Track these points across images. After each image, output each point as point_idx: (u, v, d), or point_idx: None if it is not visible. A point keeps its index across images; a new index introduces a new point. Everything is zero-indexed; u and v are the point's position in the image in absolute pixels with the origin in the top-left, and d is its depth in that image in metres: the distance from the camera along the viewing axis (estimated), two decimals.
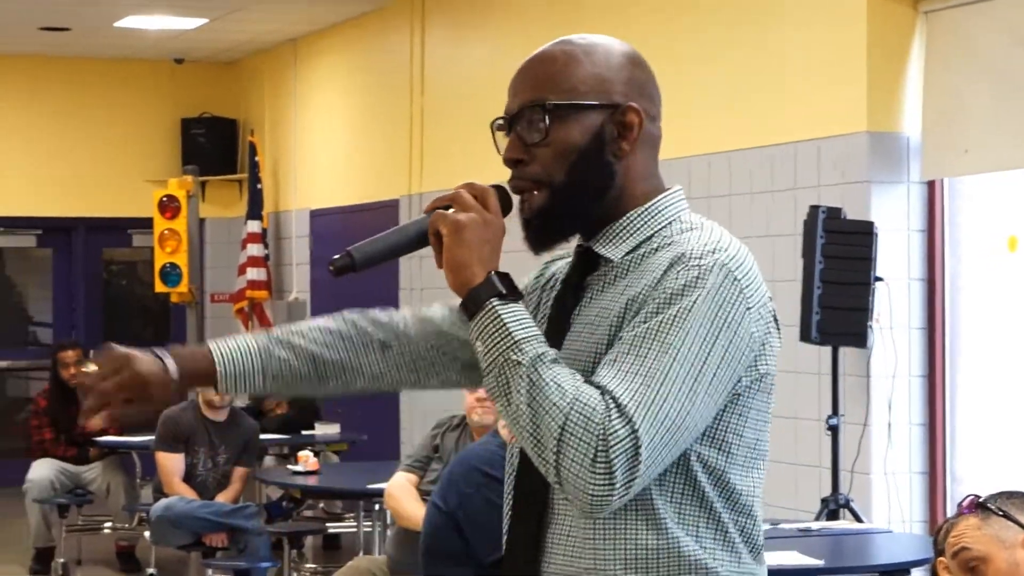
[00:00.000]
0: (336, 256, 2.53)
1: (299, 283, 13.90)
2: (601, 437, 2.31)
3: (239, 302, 13.94)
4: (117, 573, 10.72)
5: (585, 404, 2.33)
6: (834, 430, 7.43)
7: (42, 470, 10.72)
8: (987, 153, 7.41)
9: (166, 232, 13.15)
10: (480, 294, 2.43)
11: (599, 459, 2.31)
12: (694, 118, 8.77)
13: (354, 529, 10.04)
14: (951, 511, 7.36)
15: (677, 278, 2.41)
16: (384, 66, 12.52)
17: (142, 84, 15.01)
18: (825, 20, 7.91)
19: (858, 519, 7.23)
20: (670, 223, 2.53)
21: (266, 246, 13.90)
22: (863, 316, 7.34)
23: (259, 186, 13.92)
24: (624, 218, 2.53)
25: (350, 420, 11.90)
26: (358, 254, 2.52)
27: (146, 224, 13.71)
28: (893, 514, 7.60)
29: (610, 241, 2.53)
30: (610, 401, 2.33)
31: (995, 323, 7.66)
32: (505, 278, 2.45)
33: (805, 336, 7.35)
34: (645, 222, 2.53)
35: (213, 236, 15.05)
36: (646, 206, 2.54)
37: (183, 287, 13.17)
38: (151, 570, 10.10)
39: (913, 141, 7.71)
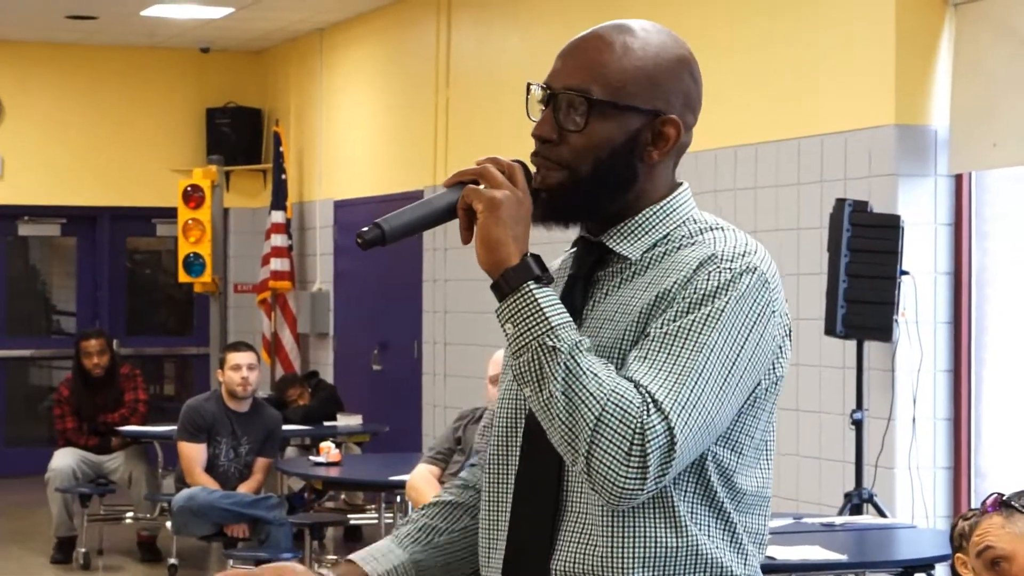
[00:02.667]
0: (364, 228, 2.45)
1: (323, 273, 13.89)
2: (638, 431, 2.29)
3: (262, 292, 13.95)
4: (138, 563, 10.72)
5: (622, 396, 2.31)
6: (858, 424, 7.40)
7: (64, 459, 10.73)
8: (1015, 147, 7.35)
9: (190, 222, 13.15)
10: (516, 275, 2.39)
11: (634, 452, 2.29)
12: (721, 110, 8.73)
13: (375, 520, 10.03)
14: (975, 506, 7.33)
15: (709, 279, 2.39)
16: (410, 56, 12.50)
17: (168, 73, 15.02)
18: (854, 12, 7.86)
19: (882, 514, 7.20)
20: (684, 222, 2.52)
21: (290, 236, 13.89)
22: (888, 310, 7.30)
23: (283, 176, 13.91)
24: (640, 215, 2.51)
25: (372, 412, 11.90)
26: (387, 226, 2.44)
27: (170, 214, 13.72)
28: (917, 509, 7.56)
29: (625, 238, 2.50)
30: (647, 395, 2.32)
31: (1021, 318, 7.61)
32: (539, 260, 2.42)
33: (830, 330, 7.32)
34: (661, 220, 2.51)
35: (237, 226, 15.05)
36: (660, 204, 2.52)
37: (206, 277, 13.17)
38: (172, 560, 10.10)
39: (941, 134, 7.67)
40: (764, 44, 8.46)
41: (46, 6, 12.91)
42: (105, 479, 10.85)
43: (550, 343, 2.34)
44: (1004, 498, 3.48)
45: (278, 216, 13.83)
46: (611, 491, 2.32)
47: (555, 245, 2.58)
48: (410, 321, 12.29)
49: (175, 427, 9.57)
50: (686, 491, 2.42)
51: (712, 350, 2.36)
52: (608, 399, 2.31)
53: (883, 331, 7.34)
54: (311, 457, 9.50)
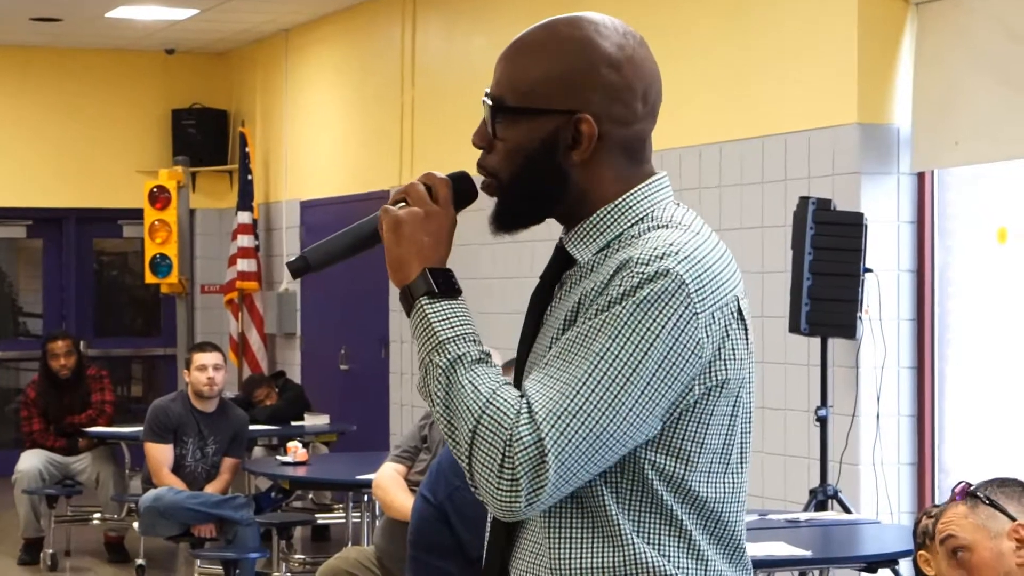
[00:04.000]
0: (292, 259, 2.53)
1: (289, 274, 13.87)
2: (507, 442, 2.27)
3: (229, 293, 13.94)
4: (106, 564, 10.71)
5: (497, 408, 2.29)
6: (823, 421, 7.44)
7: (31, 460, 10.71)
8: (977, 145, 7.41)
9: (156, 223, 13.14)
10: (411, 291, 2.41)
11: (505, 465, 2.27)
12: (685, 109, 8.77)
13: (343, 520, 10.03)
14: (940, 502, 7.37)
15: (620, 284, 2.32)
16: (376, 57, 12.51)
17: (133, 75, 14.99)
18: (816, 11, 7.91)
19: (846, 510, 7.24)
20: (641, 219, 2.44)
21: (256, 237, 13.89)
22: (852, 307, 7.35)
23: (249, 177, 13.90)
24: (594, 216, 2.45)
25: (340, 411, 11.90)
26: (312, 256, 2.52)
27: (137, 215, 13.70)
28: (881, 505, 7.61)
29: (580, 240, 2.45)
30: (523, 406, 2.29)
31: (984, 315, 7.67)
32: (443, 274, 2.40)
33: (794, 327, 7.36)
34: (615, 219, 2.44)
35: (203, 227, 15.03)
36: (615, 203, 2.44)
37: (173, 278, 13.16)
38: (140, 561, 10.09)
39: (903, 133, 7.71)
40: (727, 43, 8.49)
41: (10, 8, 12.88)
42: (72, 480, 10.84)
43: (435, 359, 2.35)
44: (971, 488, 3.50)
45: (244, 217, 13.82)
46: (492, 505, 2.31)
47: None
48: (377, 321, 12.30)
49: (142, 428, 9.56)
50: (630, 502, 2.38)
51: (602, 357, 2.29)
52: (483, 411, 2.29)
53: (847, 328, 7.38)
54: (278, 457, 9.50)
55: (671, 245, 2.35)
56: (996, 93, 7.27)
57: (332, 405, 11.91)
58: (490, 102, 2.46)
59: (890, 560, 6.13)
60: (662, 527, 2.38)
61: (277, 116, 14.18)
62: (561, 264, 2.49)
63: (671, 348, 2.31)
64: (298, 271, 2.52)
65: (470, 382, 2.32)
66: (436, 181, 2.46)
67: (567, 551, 2.39)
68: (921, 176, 7.76)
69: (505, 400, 2.30)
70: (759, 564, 5.76)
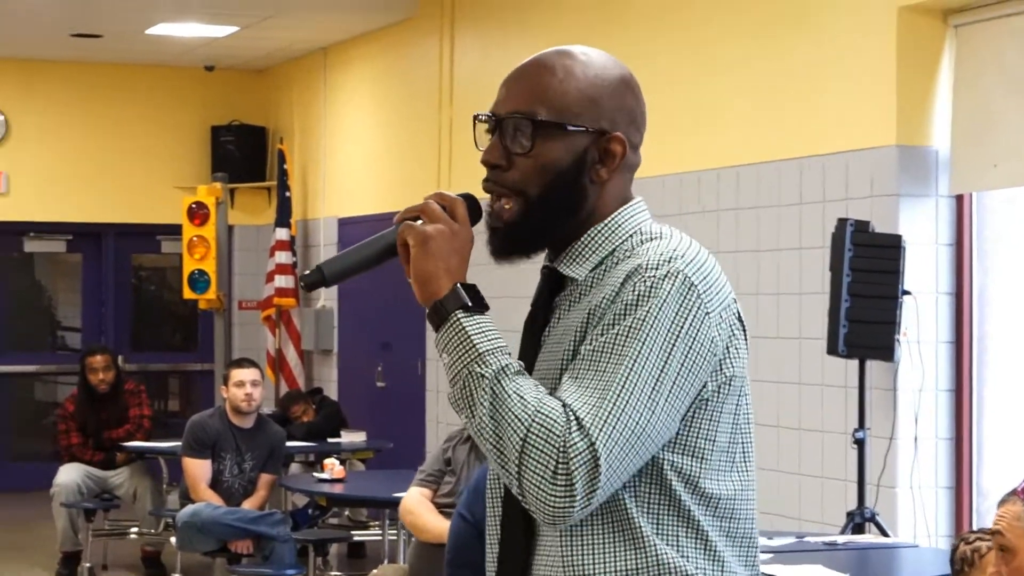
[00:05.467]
0: (307, 272, 2.54)
1: (327, 291, 13.92)
2: (561, 450, 2.33)
3: (267, 309, 13.99)
4: None
5: (546, 417, 2.34)
6: (860, 443, 7.43)
7: (69, 474, 10.77)
8: (1016, 167, 7.39)
9: (195, 239, 13.18)
10: (445, 306, 2.44)
11: (560, 471, 2.33)
12: (723, 130, 8.78)
13: (379, 537, 10.05)
14: (977, 526, 7.35)
15: (633, 290, 2.41)
16: (413, 75, 12.55)
17: (173, 91, 15.08)
18: (855, 33, 7.90)
19: (884, 533, 7.22)
20: (631, 236, 2.53)
21: (294, 254, 13.93)
22: (890, 329, 7.33)
23: (287, 194, 13.95)
24: (585, 236, 2.53)
25: (376, 428, 11.93)
26: (327, 269, 2.54)
27: (175, 230, 13.75)
28: (919, 528, 7.59)
29: (574, 260, 2.53)
30: (570, 415, 2.34)
31: (1022, 338, 7.64)
32: (471, 289, 2.46)
33: (832, 349, 7.35)
34: (606, 237, 2.53)
35: (241, 243, 15.09)
36: (605, 221, 2.54)
37: (211, 294, 13.20)
38: (176, 575, 10.13)
39: (942, 155, 7.70)
40: (766, 65, 8.50)
41: (52, 24, 12.97)
42: (110, 494, 10.89)
43: (477, 370, 2.39)
44: None
45: (282, 233, 13.87)
46: (543, 511, 2.36)
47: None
48: (414, 338, 12.33)
49: (179, 443, 9.60)
50: (648, 503, 2.44)
51: (636, 360, 2.37)
52: (533, 420, 2.34)
53: (885, 351, 7.37)
54: (315, 473, 9.53)
55: (674, 250, 2.45)
56: None
57: (368, 422, 11.94)
58: (519, 116, 2.52)
59: None
60: (680, 528, 2.45)
61: (315, 133, 14.24)
62: (552, 287, 2.56)
63: (691, 346, 2.41)
64: (313, 284, 2.54)
65: (515, 392, 2.37)
66: (451, 200, 2.52)
67: (588, 556, 2.45)
68: (960, 198, 7.75)
69: (552, 408, 2.35)
70: None
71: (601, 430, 2.33)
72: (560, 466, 2.32)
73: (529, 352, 2.54)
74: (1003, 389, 7.70)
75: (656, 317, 2.39)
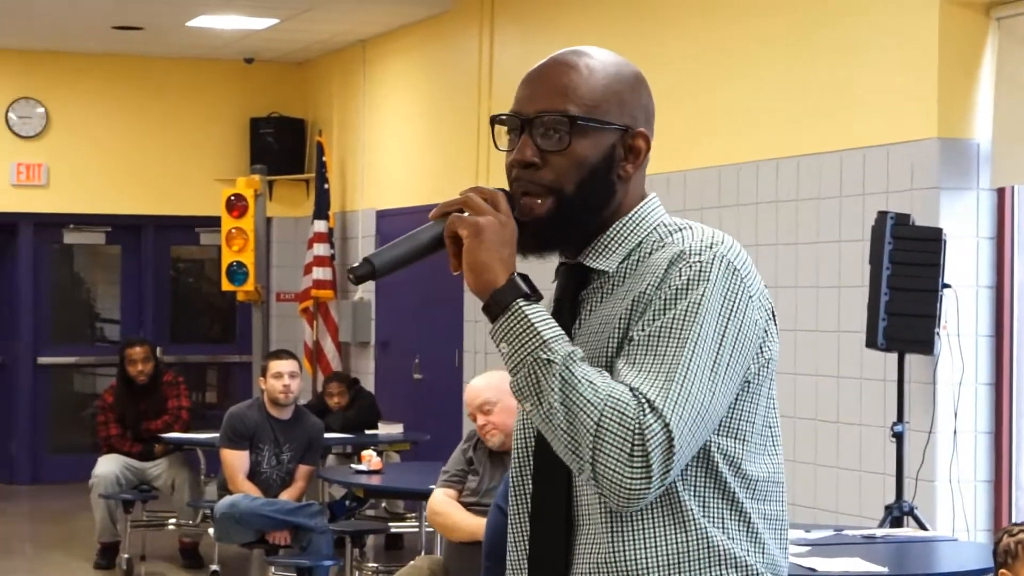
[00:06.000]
0: (355, 264, 2.56)
1: (363, 284, 13.92)
2: (637, 432, 2.34)
3: (304, 301, 14.01)
4: (180, 569, 10.79)
5: (618, 400, 2.36)
6: (899, 437, 7.40)
7: (108, 466, 10.81)
8: None
9: (233, 231, 13.22)
10: (505, 295, 2.45)
11: (636, 453, 2.34)
12: (762, 122, 8.75)
13: (416, 529, 10.06)
14: (1016, 519, 7.31)
15: (680, 275, 2.45)
16: (453, 68, 12.55)
17: (212, 83, 15.12)
18: (897, 26, 7.87)
19: (922, 527, 7.19)
20: (655, 228, 2.57)
21: (332, 246, 13.95)
22: (930, 323, 7.30)
23: (326, 186, 13.98)
24: (611, 229, 2.57)
25: (413, 420, 11.94)
26: (377, 261, 2.55)
27: (214, 223, 13.79)
28: (958, 522, 7.56)
29: (600, 254, 2.57)
30: (641, 397, 2.37)
31: None
32: (526, 279, 2.48)
33: (871, 342, 7.32)
34: (632, 230, 2.57)
35: (280, 235, 15.12)
36: (629, 215, 2.58)
37: (249, 285, 13.24)
38: (214, 567, 10.16)
39: (983, 147, 7.66)
40: (806, 57, 8.47)
41: (93, 17, 13.02)
42: (148, 485, 10.93)
43: (544, 356, 2.40)
44: None
45: (320, 225, 13.89)
46: (619, 494, 2.36)
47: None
48: (451, 330, 12.33)
49: (217, 434, 9.62)
50: (695, 485, 2.46)
51: (696, 343, 2.41)
52: (606, 404, 2.36)
53: (925, 344, 7.33)
54: (352, 465, 9.55)
55: (713, 236, 2.51)
56: None
57: (405, 414, 11.96)
58: (552, 114, 2.55)
59: None
60: (725, 509, 2.48)
61: (354, 125, 14.26)
62: (578, 282, 2.59)
63: (740, 328, 2.46)
64: (363, 277, 2.55)
65: (585, 377, 2.39)
66: (492, 193, 2.54)
67: (639, 542, 2.46)
68: (1001, 192, 7.70)
69: (623, 392, 2.38)
70: None
71: (673, 411, 2.36)
72: (636, 448, 2.34)
73: None
74: None
75: (708, 300, 2.43)
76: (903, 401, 7.45)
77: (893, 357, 7.50)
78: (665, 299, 2.44)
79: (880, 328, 7.27)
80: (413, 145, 13.26)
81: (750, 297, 2.48)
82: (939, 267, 7.31)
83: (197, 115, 15.07)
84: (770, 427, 2.55)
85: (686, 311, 2.42)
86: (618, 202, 2.57)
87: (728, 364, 2.43)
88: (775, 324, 2.55)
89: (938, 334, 7.36)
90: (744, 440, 2.50)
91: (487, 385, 6.85)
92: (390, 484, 9.22)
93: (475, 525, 6.62)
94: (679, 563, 2.45)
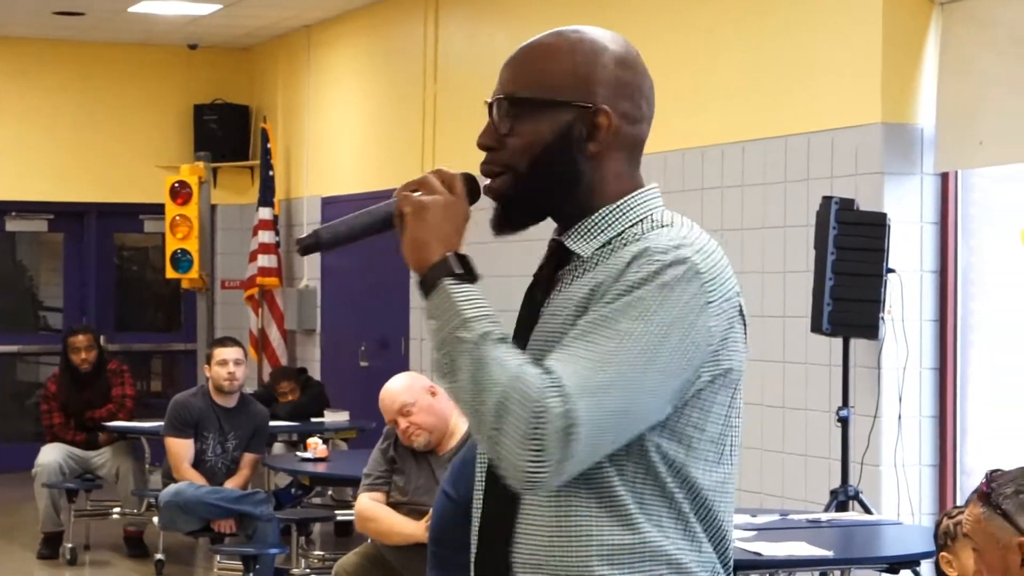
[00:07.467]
0: (302, 236, 2.58)
1: (310, 271, 13.90)
2: (535, 413, 2.32)
3: (250, 289, 13.95)
4: (125, 559, 10.72)
5: (524, 381, 2.35)
6: (844, 422, 7.42)
7: (51, 454, 10.73)
8: (1001, 146, 7.38)
9: (177, 218, 13.13)
10: (436, 272, 2.47)
11: (531, 435, 2.32)
12: (708, 108, 8.76)
13: None
14: (961, 503, 7.35)
15: (638, 270, 2.43)
16: (398, 53, 12.51)
17: (155, 69, 15.02)
18: (841, 11, 7.89)
19: (867, 511, 7.23)
20: (641, 220, 2.55)
21: (277, 233, 13.90)
22: (875, 308, 7.33)
23: (271, 173, 13.92)
24: (596, 214, 2.55)
25: (359, 408, 11.90)
26: (324, 234, 2.58)
27: (158, 210, 13.70)
28: (902, 506, 7.59)
29: (581, 237, 2.55)
30: (548, 380, 2.35)
31: (1007, 316, 7.65)
32: (463, 259, 2.48)
33: (816, 327, 7.34)
34: (616, 219, 2.55)
35: (224, 222, 15.05)
36: (617, 203, 2.56)
37: (194, 273, 13.16)
38: (159, 555, 10.10)
39: (927, 133, 7.69)
40: (751, 43, 8.48)
41: (34, 2, 12.91)
42: (92, 474, 10.86)
43: (460, 335, 2.41)
44: (988, 489, 3.44)
45: (265, 213, 13.83)
46: (513, 475, 2.36)
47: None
48: (398, 317, 12.31)
49: (162, 423, 9.57)
50: (634, 481, 2.45)
51: (629, 337, 2.38)
52: (511, 383, 2.35)
53: (869, 329, 7.36)
54: (298, 453, 9.51)
55: (684, 238, 2.48)
56: (1021, 94, 7.25)
57: (351, 401, 11.91)
58: (503, 98, 2.57)
59: (912, 561, 6.11)
60: (663, 509, 2.46)
61: (299, 112, 14.20)
62: (558, 260, 2.59)
63: (686, 333, 2.41)
64: (308, 248, 2.58)
65: (496, 357, 2.38)
66: (449, 175, 2.56)
67: (577, 528, 2.45)
68: (945, 176, 7.74)
69: (533, 373, 2.36)
70: (781, 564, 5.76)
71: (582, 398, 2.33)
72: (532, 429, 2.32)
73: (527, 321, 2.56)
74: (986, 367, 7.70)
75: (655, 298, 2.40)
76: (848, 386, 7.48)
77: (838, 342, 7.52)
78: (616, 291, 2.42)
79: (825, 313, 7.30)
80: (358, 131, 13.22)
81: (708, 303, 2.43)
82: (883, 252, 7.34)
83: (140, 101, 14.96)
84: (727, 438, 2.51)
85: (628, 304, 2.40)
86: (590, 182, 2.55)
87: (668, 365, 2.39)
88: (743, 333, 2.51)
89: (882, 319, 7.39)
90: (690, 447, 2.47)
91: (402, 388, 6.75)
92: (336, 472, 9.19)
93: (412, 527, 6.50)
94: (621, 561, 2.44)
